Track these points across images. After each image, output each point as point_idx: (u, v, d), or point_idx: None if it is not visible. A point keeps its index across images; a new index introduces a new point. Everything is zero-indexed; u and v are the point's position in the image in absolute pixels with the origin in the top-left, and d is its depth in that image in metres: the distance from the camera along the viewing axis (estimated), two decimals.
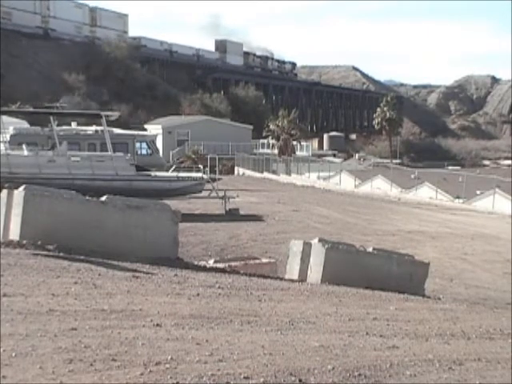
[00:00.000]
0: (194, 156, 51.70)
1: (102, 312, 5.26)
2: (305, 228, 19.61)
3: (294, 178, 46.52)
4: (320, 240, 9.18)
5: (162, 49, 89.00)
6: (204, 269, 8.88)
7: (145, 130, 52.08)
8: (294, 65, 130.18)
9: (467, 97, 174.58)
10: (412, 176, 38.90)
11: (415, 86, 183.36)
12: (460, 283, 13.51)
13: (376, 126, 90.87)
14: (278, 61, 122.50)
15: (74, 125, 32.30)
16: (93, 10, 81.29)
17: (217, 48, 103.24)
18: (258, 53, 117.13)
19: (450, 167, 66.92)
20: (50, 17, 74.47)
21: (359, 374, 4.39)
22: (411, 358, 4.98)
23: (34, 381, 3.66)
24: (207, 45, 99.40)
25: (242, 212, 22.66)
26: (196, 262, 9.84)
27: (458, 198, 33.08)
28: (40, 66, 71.90)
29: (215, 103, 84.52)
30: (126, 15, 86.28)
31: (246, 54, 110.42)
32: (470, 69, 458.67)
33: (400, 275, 9.31)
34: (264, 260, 11.77)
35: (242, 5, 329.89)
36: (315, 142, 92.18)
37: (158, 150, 37.39)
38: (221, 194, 23.52)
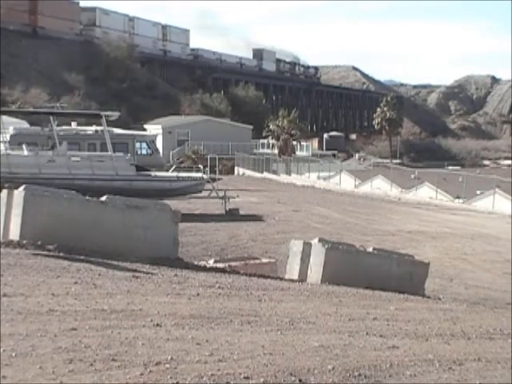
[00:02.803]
0: (194, 156, 51.67)
1: (101, 312, 5.26)
2: (305, 228, 19.61)
3: (294, 178, 46.51)
4: (320, 240, 9.18)
5: (213, 58, 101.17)
6: (204, 269, 8.88)
7: (144, 129, 52.07)
8: (316, 69, 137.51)
9: (467, 97, 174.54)
10: (412, 176, 38.89)
11: (415, 86, 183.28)
12: (460, 283, 13.51)
13: (376, 126, 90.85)
14: (303, 66, 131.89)
15: (74, 125, 32.30)
16: (164, 27, 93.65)
17: (254, 55, 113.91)
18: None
19: (450, 167, 66.85)
20: (134, 34, 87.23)
21: (359, 374, 4.39)
22: (411, 358, 4.98)
23: (34, 381, 3.65)
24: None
25: (241, 212, 22.66)
26: (196, 262, 9.85)
27: (458, 197, 33.08)
28: (40, 66, 71.95)
29: (215, 103, 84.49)
30: (188, 30, 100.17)
31: (278, 60, 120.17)
32: (470, 69, 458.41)
33: (400, 275, 9.31)
34: (264, 260, 11.77)
35: (242, 4, 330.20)
36: (315, 142, 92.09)
37: (157, 150, 37.38)
38: (221, 194, 23.53)
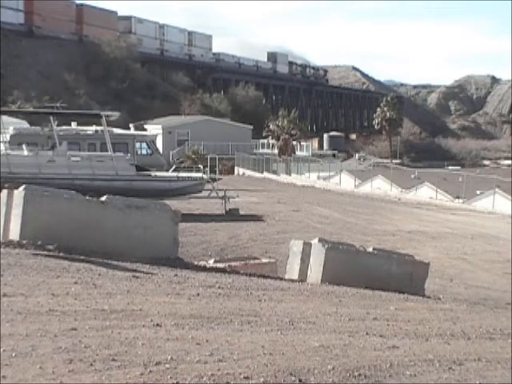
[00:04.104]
0: (193, 156, 51.63)
1: (102, 312, 5.26)
2: (305, 228, 19.60)
3: (294, 178, 46.51)
4: (320, 240, 9.17)
5: (233, 61, 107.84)
6: (204, 269, 8.88)
7: (145, 129, 52.11)
8: (325, 71, 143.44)
9: (467, 97, 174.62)
10: (412, 176, 38.91)
11: (415, 86, 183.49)
12: (460, 283, 13.51)
13: (376, 126, 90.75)
14: (313, 68, 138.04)
15: (73, 125, 32.28)
16: (190, 33, 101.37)
17: (269, 59, 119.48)
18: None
19: (450, 167, 66.87)
20: (164, 41, 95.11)
21: (359, 374, 4.39)
22: (411, 358, 4.98)
23: (34, 381, 3.65)
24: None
25: (242, 212, 22.65)
26: (196, 262, 9.84)
27: (458, 198, 33.07)
28: (40, 66, 71.95)
29: (215, 103, 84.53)
30: (210, 36, 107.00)
31: (290, 63, 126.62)
32: (469, 69, 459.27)
33: (400, 275, 9.31)
34: (264, 260, 11.76)
35: (241, 4, 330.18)
36: (315, 142, 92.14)
37: (158, 150, 37.37)
38: (221, 194, 23.51)
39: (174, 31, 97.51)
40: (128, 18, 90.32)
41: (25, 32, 74.74)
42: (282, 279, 8.92)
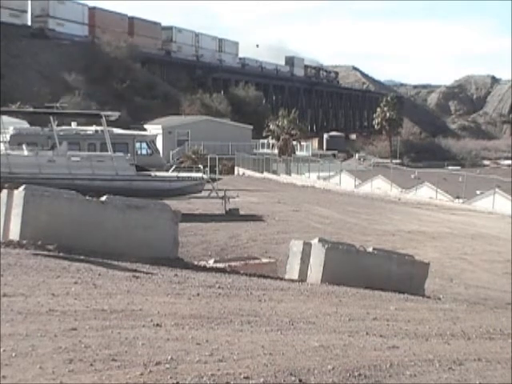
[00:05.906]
0: (194, 156, 51.59)
1: (102, 312, 5.26)
2: (305, 228, 19.60)
3: (294, 178, 46.50)
4: (320, 240, 9.17)
5: (256, 65, 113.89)
6: (204, 269, 8.88)
7: (144, 129, 52.10)
8: (336, 73, 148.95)
9: (467, 97, 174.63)
10: (412, 176, 38.92)
11: (415, 86, 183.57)
12: (460, 283, 13.50)
13: (376, 126, 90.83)
14: (326, 70, 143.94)
15: (73, 125, 32.27)
16: (220, 40, 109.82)
17: (286, 63, 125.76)
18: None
19: (450, 167, 66.88)
20: (199, 48, 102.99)
21: (359, 374, 4.39)
22: (411, 358, 4.98)
23: (34, 381, 3.65)
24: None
25: (242, 212, 22.64)
26: (196, 262, 9.85)
27: (458, 198, 33.06)
28: (40, 66, 71.94)
29: (215, 103, 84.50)
30: (237, 42, 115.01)
31: (306, 66, 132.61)
32: (470, 69, 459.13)
33: (400, 275, 9.31)
34: (264, 260, 11.77)
35: (241, 5, 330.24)
36: (315, 142, 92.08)
37: (158, 150, 37.35)
38: (221, 194, 23.51)
39: (206, 39, 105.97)
40: (170, 28, 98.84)
41: (89, 43, 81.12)
42: (282, 279, 8.92)
